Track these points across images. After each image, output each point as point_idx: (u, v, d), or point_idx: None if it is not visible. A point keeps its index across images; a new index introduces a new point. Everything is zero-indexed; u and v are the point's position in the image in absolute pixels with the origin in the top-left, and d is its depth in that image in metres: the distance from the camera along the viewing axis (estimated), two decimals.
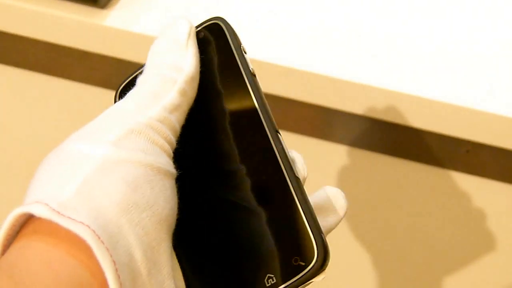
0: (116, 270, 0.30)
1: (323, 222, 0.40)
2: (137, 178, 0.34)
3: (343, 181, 0.84)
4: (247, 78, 0.41)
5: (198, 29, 0.45)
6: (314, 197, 0.41)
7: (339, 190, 0.42)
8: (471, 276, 0.89)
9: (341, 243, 0.91)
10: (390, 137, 0.78)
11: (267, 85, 0.77)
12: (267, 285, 0.35)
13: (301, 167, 0.40)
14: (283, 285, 0.35)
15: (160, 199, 0.34)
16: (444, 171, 0.81)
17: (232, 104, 0.41)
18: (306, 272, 0.35)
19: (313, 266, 0.35)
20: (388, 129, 0.77)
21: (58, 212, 0.31)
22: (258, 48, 0.76)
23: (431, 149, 0.79)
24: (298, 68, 0.74)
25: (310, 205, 0.37)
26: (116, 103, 0.39)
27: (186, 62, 0.40)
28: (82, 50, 0.80)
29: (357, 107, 0.75)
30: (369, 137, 0.78)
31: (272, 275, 0.35)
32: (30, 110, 0.89)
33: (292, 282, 0.35)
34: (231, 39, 0.44)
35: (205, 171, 0.39)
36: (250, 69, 0.42)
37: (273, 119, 0.40)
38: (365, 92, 0.74)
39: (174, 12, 0.79)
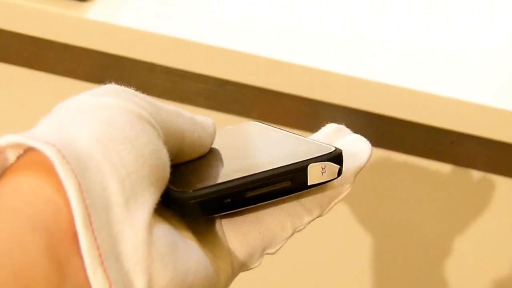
0: (82, 191, 0.29)
1: (348, 164, 0.40)
2: (114, 117, 0.32)
3: None
4: None
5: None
6: (340, 143, 0.41)
7: (359, 136, 0.42)
8: (454, 264, 0.90)
9: (328, 232, 0.91)
10: (374, 128, 0.78)
11: (252, 78, 0.77)
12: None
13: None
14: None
15: (141, 137, 0.32)
16: (429, 162, 0.81)
17: None
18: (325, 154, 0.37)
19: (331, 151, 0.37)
20: (373, 120, 0.77)
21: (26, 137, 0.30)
22: (245, 41, 0.76)
23: (416, 140, 0.79)
24: (284, 60, 0.74)
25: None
26: None
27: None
28: (64, 44, 0.80)
29: (343, 99, 0.75)
30: (354, 128, 0.78)
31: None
32: (11, 105, 0.88)
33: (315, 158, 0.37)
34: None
35: None
36: None
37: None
38: (350, 84, 0.74)
39: (156, 5, 0.78)
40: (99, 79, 0.82)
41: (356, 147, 0.42)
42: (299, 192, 0.37)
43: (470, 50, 0.76)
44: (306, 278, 0.96)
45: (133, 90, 0.36)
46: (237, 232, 0.37)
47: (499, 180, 0.82)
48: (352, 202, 0.87)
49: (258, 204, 0.36)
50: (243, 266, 0.38)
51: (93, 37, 0.78)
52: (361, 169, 0.41)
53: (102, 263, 0.29)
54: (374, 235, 0.90)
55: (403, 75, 0.74)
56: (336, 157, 0.37)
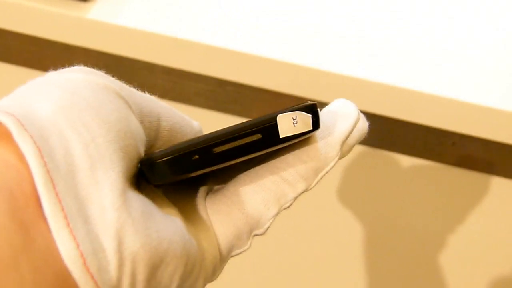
0: (42, 156, 0.29)
1: (332, 131, 0.38)
2: (79, 87, 0.32)
3: (328, 173, 0.84)
4: None
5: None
6: (324, 110, 0.40)
7: (345, 100, 0.41)
8: (455, 266, 0.90)
9: (327, 233, 0.91)
10: (375, 129, 0.78)
11: (252, 78, 0.77)
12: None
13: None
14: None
15: (106, 105, 0.32)
16: (430, 163, 0.81)
17: None
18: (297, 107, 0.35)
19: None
20: (373, 121, 0.77)
21: None
22: (245, 41, 0.75)
23: (417, 141, 0.79)
24: (284, 61, 0.74)
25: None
26: None
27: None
28: (65, 44, 0.80)
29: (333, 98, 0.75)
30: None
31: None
32: None
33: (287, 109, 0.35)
34: None
35: None
36: None
37: None
38: (350, 84, 0.74)
39: (156, 5, 0.78)
40: None
41: (341, 112, 0.40)
42: (274, 148, 0.35)
43: (471, 51, 0.76)
44: (305, 278, 0.95)
45: (102, 73, 0.35)
46: (220, 213, 0.36)
47: (501, 182, 0.82)
48: (352, 202, 0.87)
49: (232, 162, 0.34)
50: (232, 249, 0.37)
51: (94, 37, 0.78)
52: (347, 135, 0.39)
53: (68, 225, 0.29)
54: (374, 236, 0.90)
55: (404, 76, 0.73)
56: (307, 107, 0.35)
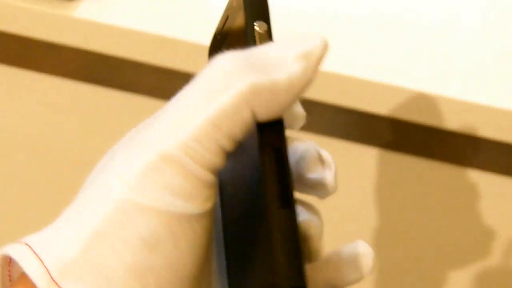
0: None
1: (343, 278, 0.37)
2: (158, 233, 0.30)
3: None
4: None
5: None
6: (344, 248, 0.38)
7: (369, 249, 0.38)
8: (465, 268, 0.90)
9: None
10: (367, 127, 0.78)
11: None
12: None
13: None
14: None
15: (184, 254, 0.31)
16: (418, 159, 0.81)
17: None
18: None
19: None
20: (366, 119, 0.77)
21: (56, 284, 0.29)
22: None
23: (404, 138, 0.79)
24: None
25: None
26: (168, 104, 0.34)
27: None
28: (52, 43, 0.79)
29: (334, 98, 0.75)
30: (346, 127, 0.78)
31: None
32: None
33: None
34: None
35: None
36: None
37: None
38: (341, 82, 0.74)
39: (143, 3, 0.78)
40: (86, 77, 0.82)
41: (359, 262, 0.38)
42: None
43: (456, 47, 0.76)
44: None
45: (183, 148, 0.31)
46: None
47: (490, 178, 0.82)
48: (344, 202, 0.87)
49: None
50: None
51: (80, 36, 0.78)
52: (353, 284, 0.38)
53: None
54: (370, 235, 0.90)
55: (397, 73, 0.74)
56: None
